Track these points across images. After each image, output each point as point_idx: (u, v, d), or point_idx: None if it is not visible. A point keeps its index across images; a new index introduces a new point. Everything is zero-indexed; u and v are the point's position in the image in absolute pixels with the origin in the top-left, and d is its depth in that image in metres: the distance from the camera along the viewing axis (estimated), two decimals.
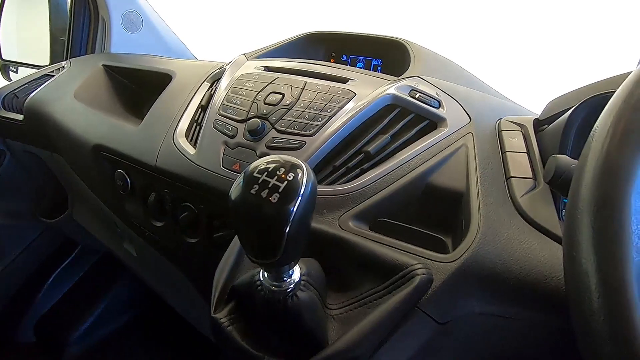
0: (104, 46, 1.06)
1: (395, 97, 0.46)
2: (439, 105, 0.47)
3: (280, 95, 0.48)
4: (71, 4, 1.06)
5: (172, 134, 0.54)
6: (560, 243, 0.36)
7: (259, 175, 0.22)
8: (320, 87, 0.48)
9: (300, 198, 0.22)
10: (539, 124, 0.47)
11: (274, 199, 0.21)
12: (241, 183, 0.23)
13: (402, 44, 0.62)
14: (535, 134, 0.46)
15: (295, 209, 0.22)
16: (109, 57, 0.96)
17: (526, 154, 0.44)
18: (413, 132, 0.45)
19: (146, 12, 1.10)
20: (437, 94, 0.48)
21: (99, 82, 0.88)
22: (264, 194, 0.22)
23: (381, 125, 0.45)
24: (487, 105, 0.53)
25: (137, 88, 0.89)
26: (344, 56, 0.72)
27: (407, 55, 0.59)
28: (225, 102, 0.51)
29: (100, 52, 1.06)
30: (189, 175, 0.49)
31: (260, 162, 0.23)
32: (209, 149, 0.49)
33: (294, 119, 0.46)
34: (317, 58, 0.72)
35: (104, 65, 0.90)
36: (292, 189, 0.22)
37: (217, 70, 0.63)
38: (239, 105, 0.50)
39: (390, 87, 0.47)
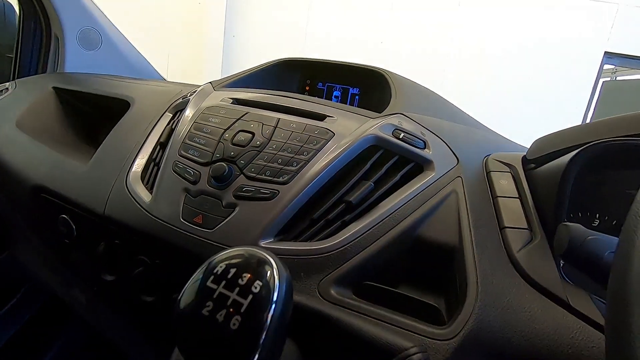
0: (57, 65, 0.97)
1: (378, 138, 0.42)
2: (425, 145, 0.43)
3: (250, 135, 0.43)
4: (20, 17, 0.97)
5: (125, 176, 0.47)
6: (562, 306, 0.32)
7: (214, 286, 0.16)
8: (295, 125, 0.43)
9: (271, 313, 0.16)
10: (526, 162, 0.45)
11: (234, 324, 0.15)
12: (194, 292, 0.17)
13: (381, 75, 0.58)
14: (524, 174, 0.43)
15: (265, 332, 0.16)
16: (61, 78, 0.87)
17: (518, 199, 0.41)
18: (398, 177, 0.41)
19: (106, 29, 1.02)
20: (422, 132, 0.44)
21: (47, 107, 0.79)
22: (220, 316, 0.16)
23: (363, 170, 0.40)
24: (472, 142, 0.50)
25: (93, 114, 0.80)
26: (320, 84, 0.68)
27: (387, 87, 0.56)
28: (187, 141, 0.45)
29: (52, 72, 0.96)
30: (142, 227, 0.42)
31: (218, 262, 0.18)
32: (167, 196, 0.42)
33: (265, 163, 0.40)
34: (291, 86, 0.68)
35: (54, 88, 0.81)
36: (259, 306, 0.16)
37: (180, 100, 0.57)
38: (202, 145, 0.44)
39: (372, 127, 0.42)
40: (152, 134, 0.52)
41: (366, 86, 0.64)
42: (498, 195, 0.41)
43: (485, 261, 0.35)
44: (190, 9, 3.15)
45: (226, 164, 0.40)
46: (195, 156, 0.43)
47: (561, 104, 2.91)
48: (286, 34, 3.07)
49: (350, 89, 0.66)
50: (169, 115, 0.56)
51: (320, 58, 0.65)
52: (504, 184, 0.43)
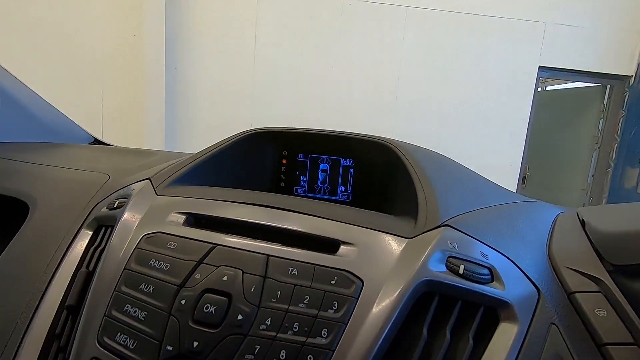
0: None
1: (432, 283, 0.27)
2: (491, 275, 0.29)
3: (224, 300, 0.25)
4: None
5: None
6: None
7: None
8: (297, 271, 0.27)
9: None
10: (615, 271, 0.32)
11: None
12: None
13: (386, 147, 0.44)
14: (620, 292, 0.31)
15: None
16: None
17: (635, 347, 0.28)
18: (470, 340, 0.26)
19: (3, 85, 0.79)
20: (482, 253, 0.30)
21: None
22: None
23: (418, 352, 0.25)
24: (525, 236, 0.37)
25: None
26: (301, 155, 0.52)
27: (395, 165, 0.42)
28: (113, 313, 0.27)
29: None
30: None
31: None
32: None
33: None
34: (262, 162, 0.51)
35: None
36: None
37: (105, 211, 0.38)
38: (141, 324, 0.26)
39: (419, 263, 0.27)
40: (55, 280, 0.33)
41: (363, 156, 0.50)
42: (606, 342, 0.28)
43: None
44: (126, 42, 2.87)
45: None
46: (128, 350, 0.25)
47: (506, 114, 3.05)
48: (233, 63, 2.91)
49: (342, 161, 0.51)
50: (85, 237, 0.37)
51: (300, 127, 0.49)
52: (602, 316, 0.30)
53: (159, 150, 0.83)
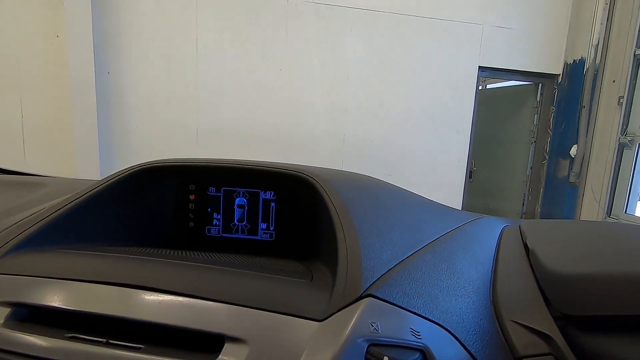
0: None
1: None
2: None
3: None
4: None
5: None
6: None
7: None
8: None
9: None
10: (564, 319, 0.28)
11: None
12: None
13: (304, 180, 0.37)
14: (570, 348, 0.26)
15: None
16: None
17: None
18: None
19: None
20: (412, 330, 0.24)
21: None
22: None
23: None
24: (466, 284, 0.32)
25: None
26: (212, 189, 0.43)
27: (317, 199, 0.35)
28: None
29: None
30: None
31: None
32: None
33: None
34: (164, 199, 0.42)
35: None
36: None
37: None
38: None
39: (324, 356, 0.20)
40: None
41: (284, 188, 0.42)
42: None
43: None
44: (47, 44, 2.57)
45: None
46: None
47: (452, 113, 3.16)
48: (175, 67, 2.72)
49: (261, 194, 0.43)
50: None
51: (205, 159, 0.41)
52: None
53: (56, 179, 0.70)
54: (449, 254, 0.35)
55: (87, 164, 2.59)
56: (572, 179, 3.21)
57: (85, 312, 0.23)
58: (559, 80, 3.31)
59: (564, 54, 3.27)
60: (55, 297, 0.24)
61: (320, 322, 0.23)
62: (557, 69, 3.30)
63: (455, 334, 0.25)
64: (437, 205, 0.48)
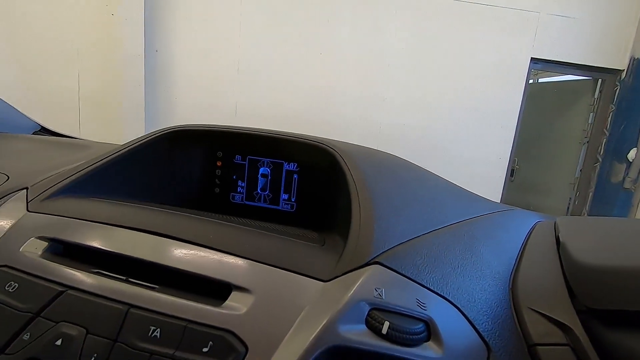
0: None
1: (340, 349, 0.20)
2: (427, 333, 0.22)
3: None
4: None
5: None
6: None
7: None
8: (161, 331, 0.20)
9: None
10: (588, 316, 0.26)
11: None
12: None
13: (328, 152, 0.37)
14: (591, 343, 0.25)
15: None
16: None
17: None
18: None
19: None
20: (418, 301, 0.23)
21: None
22: None
23: None
24: (484, 267, 0.30)
25: None
26: (238, 157, 0.45)
27: (339, 173, 0.35)
28: None
29: None
30: None
31: None
32: None
33: None
34: (192, 164, 0.44)
35: None
36: None
37: None
38: None
39: (326, 319, 0.20)
40: None
41: (307, 160, 0.43)
42: None
43: None
44: (103, 22, 2.72)
45: None
46: None
47: (496, 106, 2.99)
48: (216, 46, 2.78)
49: (285, 165, 0.44)
50: None
51: (233, 126, 0.42)
52: None
53: (101, 143, 0.75)
54: (469, 238, 0.34)
55: (134, 133, 2.74)
56: (627, 185, 2.96)
57: (109, 251, 0.24)
58: (623, 76, 3.02)
59: (631, 48, 2.97)
60: (85, 237, 0.26)
61: (325, 283, 0.23)
62: (621, 64, 3.01)
63: (464, 311, 0.25)
64: (465, 191, 0.47)
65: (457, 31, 2.86)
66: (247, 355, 0.19)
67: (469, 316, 0.24)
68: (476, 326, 0.24)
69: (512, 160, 3.14)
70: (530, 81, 3.16)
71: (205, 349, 0.19)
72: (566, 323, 0.26)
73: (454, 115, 2.97)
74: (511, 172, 3.18)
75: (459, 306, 0.25)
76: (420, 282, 0.25)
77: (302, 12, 2.78)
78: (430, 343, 0.22)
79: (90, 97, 2.78)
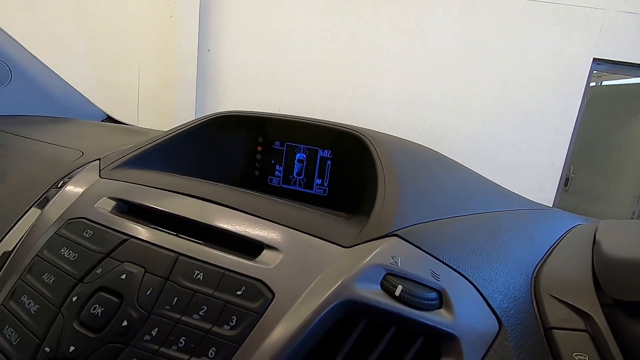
0: None
1: (354, 304, 0.22)
2: (440, 301, 0.24)
3: (115, 302, 0.23)
4: None
5: None
6: None
7: None
8: (204, 275, 0.23)
9: None
10: (613, 305, 0.26)
11: None
12: None
13: (360, 139, 0.39)
14: (611, 333, 0.25)
15: None
16: None
17: None
18: None
19: (18, 61, 0.81)
20: (433, 272, 0.25)
21: None
22: None
23: None
24: (506, 253, 0.31)
25: None
26: (277, 143, 0.48)
27: (370, 156, 0.37)
28: (10, 304, 0.25)
29: None
30: None
31: None
32: None
33: None
34: (235, 148, 0.48)
35: None
36: None
37: (54, 188, 0.36)
38: (30, 318, 0.24)
39: (344, 277, 0.23)
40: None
41: (341, 148, 0.45)
42: None
43: None
44: (162, 23, 2.93)
45: None
46: (10, 345, 0.23)
47: (551, 109, 2.80)
48: (264, 46, 2.89)
49: (320, 151, 0.46)
50: (34, 214, 0.36)
51: (273, 113, 0.45)
52: None
53: (157, 130, 0.83)
54: (495, 227, 0.35)
55: None
56: None
57: (164, 211, 0.29)
58: None
59: None
60: (145, 199, 0.30)
61: (346, 249, 0.25)
62: None
63: (479, 288, 0.26)
64: (499, 187, 0.46)
65: (508, 30, 2.72)
66: (274, 301, 0.22)
67: (483, 293, 0.25)
68: (490, 302, 0.25)
69: (566, 168, 2.93)
70: (592, 84, 2.93)
71: (238, 292, 0.23)
72: (587, 311, 0.26)
73: (502, 118, 2.83)
74: (565, 181, 2.97)
75: (475, 282, 0.26)
76: (436, 256, 0.26)
77: (347, 12, 2.80)
78: (441, 310, 0.24)
79: (148, 93, 3.01)
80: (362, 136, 0.40)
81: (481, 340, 0.23)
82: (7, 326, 0.24)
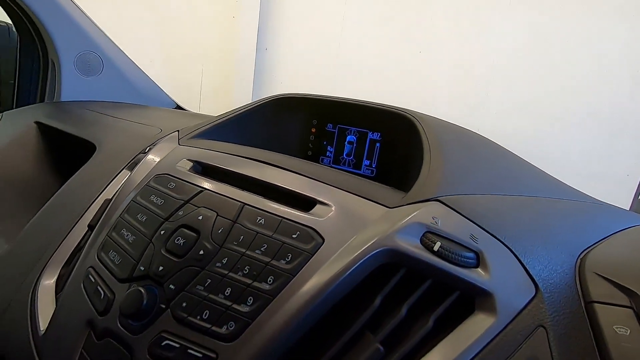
0: (55, 93, 0.89)
1: (395, 253, 0.25)
2: (477, 260, 0.26)
3: (194, 237, 0.28)
4: (18, 42, 0.91)
5: (36, 277, 0.34)
6: None
7: None
8: (264, 220, 0.27)
9: None
10: None
11: None
12: None
13: (409, 121, 0.41)
14: None
15: None
16: (47, 110, 0.78)
17: None
18: (430, 323, 0.24)
19: (108, 53, 0.93)
20: (472, 235, 0.27)
21: (26, 146, 0.70)
22: None
23: (364, 319, 0.24)
24: (552, 234, 0.31)
25: (72, 155, 0.70)
26: (330, 125, 0.51)
27: (418, 137, 0.39)
28: (112, 234, 0.31)
29: (49, 101, 0.89)
30: None
31: None
32: (64, 329, 0.28)
33: (206, 294, 0.25)
34: (292, 128, 0.52)
35: (37, 123, 0.71)
36: None
37: (141, 154, 0.43)
38: (128, 245, 0.29)
39: (387, 231, 0.25)
40: (91, 207, 0.39)
41: (390, 130, 0.48)
42: None
43: None
44: (225, 23, 3.13)
45: (146, 292, 0.25)
46: (114, 265, 0.29)
47: (627, 113, 2.53)
48: (319, 44, 2.96)
49: (370, 134, 0.49)
50: (123, 175, 0.42)
51: (327, 95, 0.49)
52: (622, 336, 0.24)
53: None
54: (543, 209, 0.35)
55: None
56: None
57: (232, 171, 0.33)
58: None
59: None
60: (216, 161, 0.35)
61: (390, 209, 0.28)
62: None
63: (519, 256, 0.27)
64: (552, 178, 0.46)
65: (581, 24, 2.50)
66: (324, 244, 0.25)
67: (522, 260, 0.26)
68: (529, 269, 0.26)
69: None
70: None
71: (294, 236, 0.26)
72: (633, 289, 0.26)
73: (569, 123, 2.61)
74: None
75: (514, 250, 0.27)
76: (477, 222, 0.28)
77: (404, 9, 2.76)
78: (478, 269, 0.25)
79: (209, 91, 3.23)
80: (411, 117, 0.42)
81: (517, 300, 0.24)
82: (111, 251, 0.30)
